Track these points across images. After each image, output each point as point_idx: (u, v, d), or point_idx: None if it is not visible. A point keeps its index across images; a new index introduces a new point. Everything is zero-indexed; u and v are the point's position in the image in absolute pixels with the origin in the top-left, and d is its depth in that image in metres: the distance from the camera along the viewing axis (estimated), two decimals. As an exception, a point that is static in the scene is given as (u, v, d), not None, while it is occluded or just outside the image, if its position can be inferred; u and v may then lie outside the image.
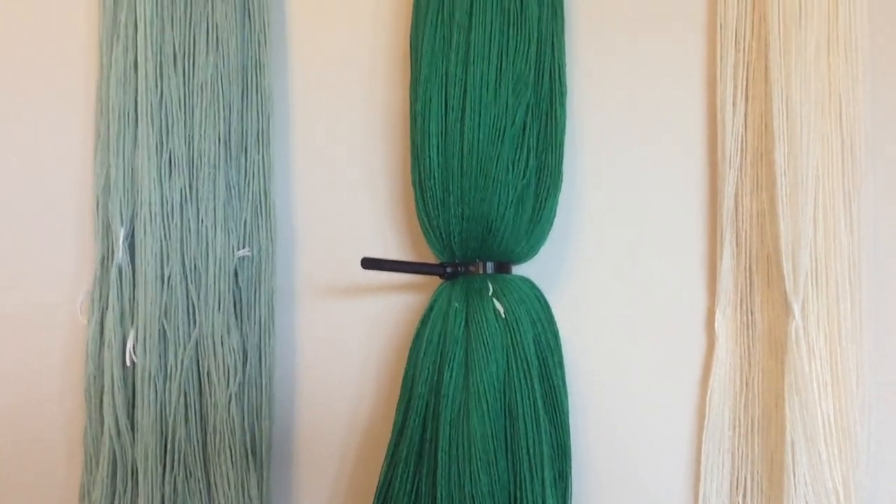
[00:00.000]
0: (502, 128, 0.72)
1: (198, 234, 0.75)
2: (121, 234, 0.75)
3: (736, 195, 0.79)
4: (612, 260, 0.81)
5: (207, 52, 0.75)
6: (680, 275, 0.81)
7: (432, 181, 0.74)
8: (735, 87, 0.79)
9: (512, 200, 0.73)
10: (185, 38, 0.75)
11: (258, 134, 0.78)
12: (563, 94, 0.77)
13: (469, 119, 0.72)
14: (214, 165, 0.75)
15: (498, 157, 0.72)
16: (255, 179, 0.78)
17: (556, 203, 0.76)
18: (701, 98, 0.82)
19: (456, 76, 0.73)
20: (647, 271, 0.81)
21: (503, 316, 0.71)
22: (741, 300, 0.79)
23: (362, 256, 0.71)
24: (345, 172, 0.82)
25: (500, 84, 0.73)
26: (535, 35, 0.74)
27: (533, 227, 0.75)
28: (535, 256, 0.78)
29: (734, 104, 0.80)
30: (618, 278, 0.81)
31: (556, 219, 0.77)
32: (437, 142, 0.74)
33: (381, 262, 0.71)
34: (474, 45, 0.73)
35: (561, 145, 0.76)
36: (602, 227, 0.81)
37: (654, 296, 0.81)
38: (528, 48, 0.73)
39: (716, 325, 0.78)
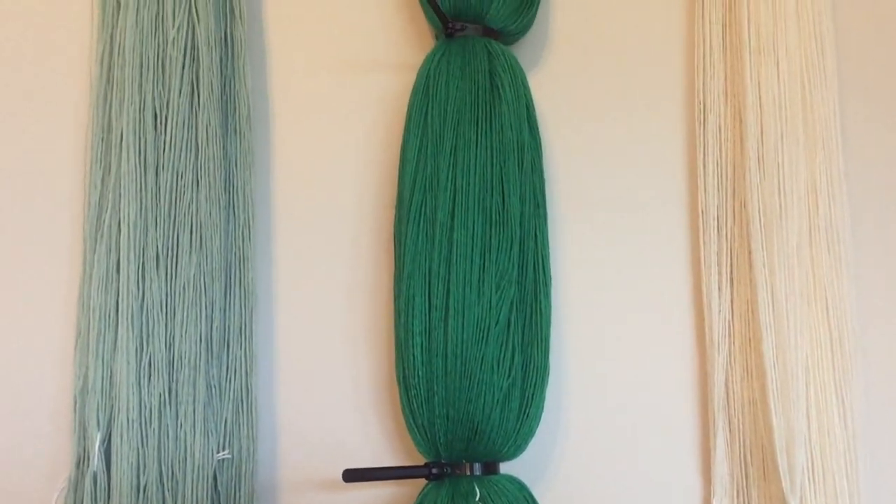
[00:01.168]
0: (486, 328, 0.72)
1: (176, 439, 0.73)
2: (97, 439, 0.73)
3: (726, 382, 0.78)
4: (602, 447, 0.79)
5: (191, 252, 0.75)
6: (674, 461, 0.79)
7: (416, 380, 0.73)
8: (720, 272, 0.80)
9: (498, 400, 0.71)
10: (168, 238, 0.75)
11: (241, 328, 0.77)
12: (547, 286, 0.76)
13: (453, 319, 0.72)
14: (195, 367, 0.74)
15: (482, 358, 0.71)
16: (237, 376, 0.76)
17: (544, 398, 0.75)
18: (687, 281, 0.82)
19: (439, 275, 0.73)
20: (639, 457, 0.79)
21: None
22: (738, 492, 0.77)
23: (343, 469, 0.69)
24: (330, 367, 0.81)
25: (483, 283, 0.72)
26: (518, 231, 0.74)
27: (520, 425, 0.73)
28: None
29: (720, 288, 0.80)
30: (609, 466, 0.79)
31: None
32: (420, 340, 0.73)
33: (363, 471, 0.69)
34: (457, 245, 0.73)
35: (546, 339, 0.75)
36: (591, 413, 0.79)
37: (648, 483, 0.79)
38: (511, 246, 0.74)
39: (713, 519, 0.76)
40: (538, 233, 0.76)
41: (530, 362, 0.74)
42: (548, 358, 0.75)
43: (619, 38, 0.86)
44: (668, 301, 0.81)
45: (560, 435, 0.80)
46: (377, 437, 0.80)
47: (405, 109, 0.80)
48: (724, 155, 0.81)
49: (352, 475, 0.68)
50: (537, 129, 0.79)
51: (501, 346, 0.72)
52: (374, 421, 0.80)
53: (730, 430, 0.78)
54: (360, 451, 0.80)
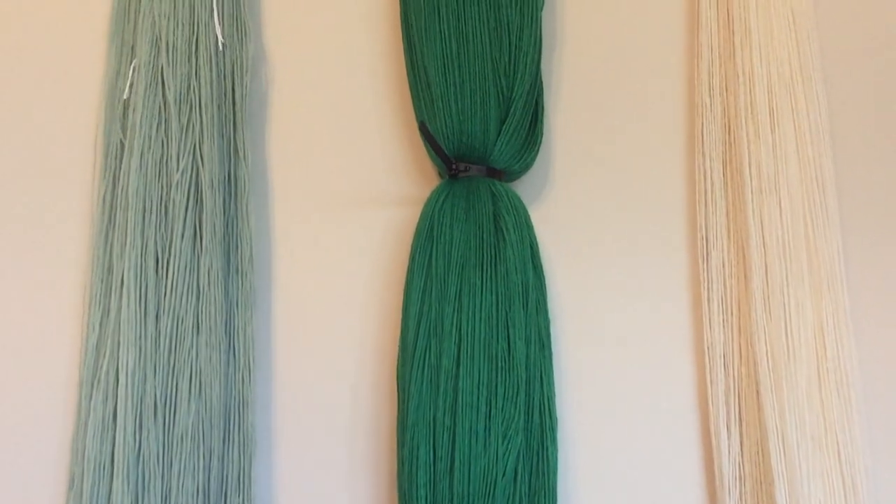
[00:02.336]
0: (493, 481, 0.70)
1: None
2: None
3: (738, 529, 0.76)
4: None
5: (190, 400, 0.74)
6: None
7: (421, 533, 0.70)
8: (728, 412, 0.78)
9: (505, 557, 0.69)
10: (167, 386, 0.74)
11: (239, 477, 0.75)
12: (553, 430, 0.75)
13: (458, 471, 0.70)
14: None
15: (489, 513, 0.69)
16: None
17: (552, 549, 0.73)
18: (695, 420, 0.80)
19: (444, 424, 0.71)
20: None
21: None
22: None
23: None
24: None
25: (489, 433, 0.71)
26: (524, 376, 0.73)
27: (528, 582, 0.71)
28: None
29: (728, 428, 0.78)
30: None
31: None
32: (425, 493, 0.71)
33: None
34: (462, 394, 0.71)
35: (553, 488, 0.73)
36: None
37: None
38: (518, 393, 0.72)
39: None
40: (544, 375, 0.75)
41: (537, 513, 0.72)
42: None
43: (621, 172, 0.86)
44: (676, 443, 0.79)
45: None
46: None
47: (408, 244, 0.80)
48: (728, 291, 0.80)
49: None
50: (541, 268, 0.79)
51: (508, 498, 0.70)
52: None
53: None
54: None
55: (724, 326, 0.80)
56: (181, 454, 0.73)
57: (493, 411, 0.71)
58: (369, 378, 0.80)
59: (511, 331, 0.73)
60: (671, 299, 0.82)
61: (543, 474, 0.73)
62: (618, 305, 0.83)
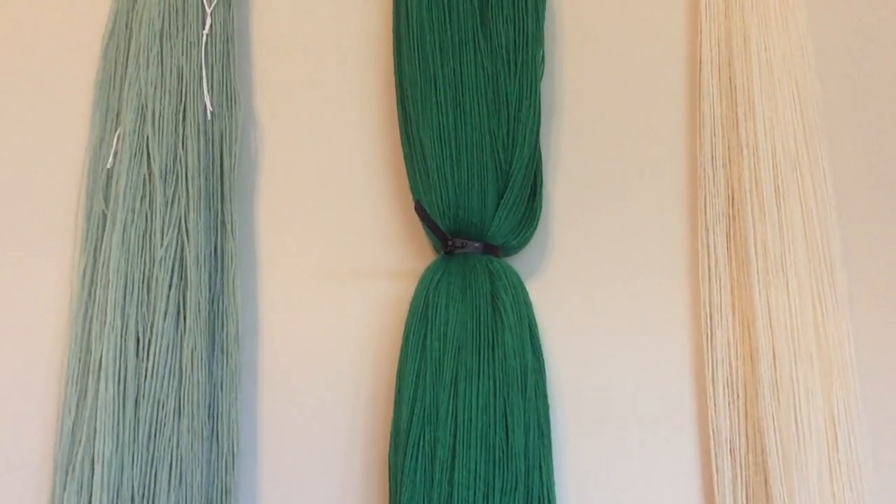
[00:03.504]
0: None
1: None
2: None
3: None
4: None
5: (169, 491, 0.70)
6: None
7: None
8: (735, 502, 0.75)
9: None
10: (145, 476, 0.70)
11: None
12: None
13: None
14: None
15: None
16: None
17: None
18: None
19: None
20: None
21: None
22: None
23: None
24: None
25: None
26: (522, 467, 0.69)
27: None
28: None
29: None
30: None
31: None
32: None
33: None
34: (458, 487, 0.68)
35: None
36: None
37: None
38: (516, 486, 0.69)
39: None
40: (543, 464, 0.72)
41: None
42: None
43: (622, 245, 0.83)
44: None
45: None
46: None
47: (402, 320, 0.76)
48: (734, 372, 0.77)
49: None
50: (541, 350, 0.75)
51: None
52: None
53: None
54: None
55: (729, 409, 0.77)
56: None
57: (490, 506, 0.68)
58: (360, 466, 0.77)
59: (509, 419, 0.70)
60: (676, 381, 0.79)
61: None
62: (619, 385, 0.79)
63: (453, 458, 0.69)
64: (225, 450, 0.73)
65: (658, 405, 0.79)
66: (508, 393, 0.70)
